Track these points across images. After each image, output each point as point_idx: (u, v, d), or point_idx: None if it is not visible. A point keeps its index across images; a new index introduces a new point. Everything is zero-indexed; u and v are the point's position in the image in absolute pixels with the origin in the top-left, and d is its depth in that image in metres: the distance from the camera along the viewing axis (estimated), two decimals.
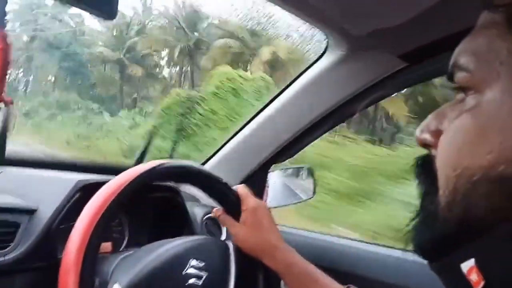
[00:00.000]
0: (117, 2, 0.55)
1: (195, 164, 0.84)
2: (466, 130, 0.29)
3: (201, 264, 0.71)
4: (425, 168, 0.33)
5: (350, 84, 0.87)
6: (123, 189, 0.63)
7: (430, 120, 0.33)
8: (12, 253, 0.67)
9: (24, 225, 0.70)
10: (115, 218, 0.90)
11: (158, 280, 0.66)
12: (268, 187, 1.18)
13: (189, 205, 1.02)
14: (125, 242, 0.95)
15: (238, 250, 0.77)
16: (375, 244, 0.99)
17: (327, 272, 0.94)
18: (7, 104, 0.52)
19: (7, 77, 0.48)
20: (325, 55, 0.87)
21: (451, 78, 0.32)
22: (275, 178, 1.20)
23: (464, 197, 0.28)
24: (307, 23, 0.76)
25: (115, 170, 0.74)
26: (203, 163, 1.13)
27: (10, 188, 0.77)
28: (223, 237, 1.03)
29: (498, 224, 0.26)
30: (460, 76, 0.30)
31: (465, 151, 0.29)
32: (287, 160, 1.13)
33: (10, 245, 0.68)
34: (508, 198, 0.26)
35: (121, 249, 0.93)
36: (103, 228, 0.61)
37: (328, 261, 0.96)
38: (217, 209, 0.80)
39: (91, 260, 0.60)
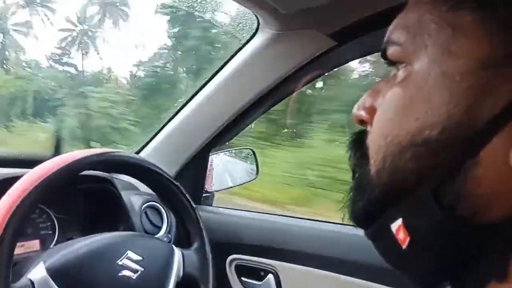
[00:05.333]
0: None
1: (129, 154, 0.80)
2: (396, 101, 0.31)
3: (139, 258, 0.69)
4: (358, 143, 0.34)
5: (284, 64, 0.86)
6: (37, 185, 0.58)
7: (365, 97, 0.35)
8: None
9: None
10: (30, 214, 0.84)
11: (88, 265, 0.63)
12: (211, 170, 1.16)
13: (125, 194, 0.98)
14: (55, 239, 0.89)
15: (183, 258, 0.75)
16: (311, 219, 1.01)
17: (264, 251, 0.96)
18: None
19: None
20: (257, 35, 0.85)
21: (384, 54, 0.33)
22: (218, 161, 1.18)
23: (393, 162, 0.30)
24: (236, 2, 0.73)
25: (35, 162, 0.68)
26: (138, 152, 1.08)
27: None
28: (164, 227, 1.01)
29: (421, 184, 0.28)
30: (392, 50, 0.32)
31: (395, 121, 0.30)
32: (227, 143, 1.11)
33: None
34: (431, 159, 0.28)
35: (51, 246, 0.88)
36: (17, 227, 0.56)
37: (265, 240, 0.98)
38: None
39: (6, 262, 0.55)
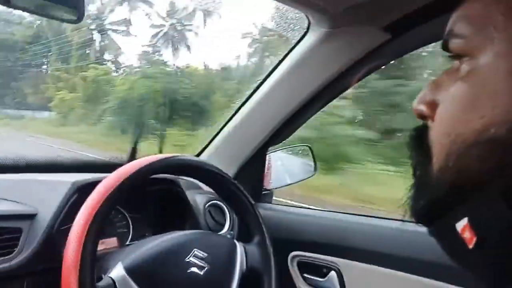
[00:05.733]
0: (84, 5, 0.55)
1: (194, 158, 0.85)
2: (460, 97, 0.29)
3: (204, 255, 0.73)
4: (419, 139, 0.34)
5: (337, 61, 0.86)
6: (114, 190, 0.65)
7: (426, 91, 0.34)
8: (17, 258, 0.70)
9: (26, 230, 0.73)
10: (112, 214, 0.92)
11: (160, 263, 0.69)
12: (269, 168, 1.19)
13: (190, 194, 1.04)
14: (130, 237, 0.98)
15: (245, 252, 0.79)
16: (373, 216, 1.00)
17: (326, 248, 0.96)
18: None
19: None
20: (308, 34, 0.85)
21: (446, 46, 0.32)
22: (275, 159, 1.21)
23: (457, 161, 0.29)
24: (284, 4, 0.74)
25: (112, 167, 0.75)
26: (198, 154, 1.14)
27: (9, 194, 0.80)
28: (227, 224, 1.05)
29: (488, 184, 0.27)
30: (455, 43, 0.31)
31: (459, 117, 0.29)
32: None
33: (14, 250, 0.71)
34: (498, 159, 0.27)
35: (127, 243, 0.96)
36: (100, 225, 0.63)
37: (327, 237, 0.98)
38: None
39: (91, 256, 0.62)
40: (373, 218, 0.98)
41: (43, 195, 0.79)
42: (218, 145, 1.11)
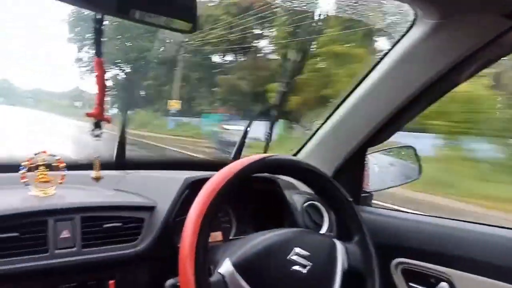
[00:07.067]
0: (197, 18, 0.60)
1: (298, 159, 0.86)
2: None
3: (306, 254, 0.74)
4: None
5: (448, 54, 0.79)
6: (224, 184, 0.69)
7: None
8: (141, 244, 0.80)
9: (147, 220, 0.82)
10: (221, 209, 0.97)
11: (264, 260, 0.71)
12: (368, 170, 1.15)
13: (288, 193, 1.06)
14: (233, 232, 1.03)
15: (346, 252, 0.78)
16: (495, 226, 0.89)
17: (435, 256, 0.89)
18: (108, 122, 0.61)
19: (105, 99, 0.56)
20: (414, 27, 0.80)
21: None
22: (375, 161, 1.16)
23: None
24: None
25: (216, 166, 0.80)
26: (295, 154, 1.15)
27: (133, 188, 0.90)
28: (325, 225, 1.04)
29: None
30: None
31: None
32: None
33: (138, 238, 0.80)
34: None
35: (230, 238, 1.02)
36: (211, 218, 0.67)
37: (436, 245, 0.91)
38: None
39: (204, 247, 0.67)
40: (496, 228, 0.88)
41: (160, 189, 0.88)
42: (315, 145, 1.10)
